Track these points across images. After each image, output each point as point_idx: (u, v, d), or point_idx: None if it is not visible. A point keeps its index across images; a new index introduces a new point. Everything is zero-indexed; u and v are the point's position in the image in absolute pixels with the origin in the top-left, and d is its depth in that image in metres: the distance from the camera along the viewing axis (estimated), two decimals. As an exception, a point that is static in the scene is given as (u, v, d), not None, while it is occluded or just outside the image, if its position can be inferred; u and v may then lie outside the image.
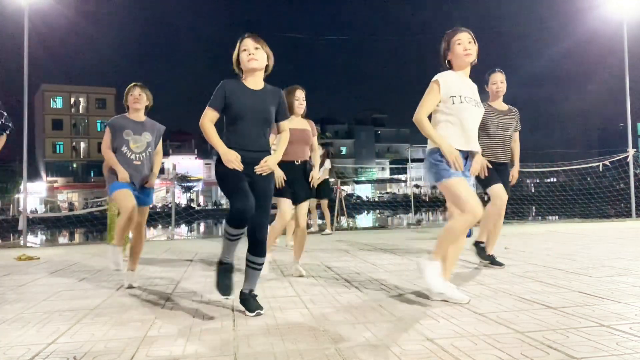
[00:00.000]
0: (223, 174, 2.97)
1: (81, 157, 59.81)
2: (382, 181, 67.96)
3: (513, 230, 8.31)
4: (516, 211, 13.10)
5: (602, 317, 2.73)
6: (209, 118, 2.99)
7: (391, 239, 7.72)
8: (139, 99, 4.13)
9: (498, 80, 4.64)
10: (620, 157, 11.70)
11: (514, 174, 4.83)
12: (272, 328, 2.72)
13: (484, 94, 4.11)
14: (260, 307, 3.04)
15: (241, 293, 3.15)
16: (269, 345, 2.41)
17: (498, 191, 4.48)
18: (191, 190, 57.86)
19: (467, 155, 3.28)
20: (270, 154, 3.11)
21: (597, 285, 3.59)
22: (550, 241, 6.56)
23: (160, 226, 20.94)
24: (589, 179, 14.13)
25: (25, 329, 2.86)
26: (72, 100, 60.07)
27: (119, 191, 3.98)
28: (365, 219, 33.54)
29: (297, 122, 4.29)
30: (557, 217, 14.56)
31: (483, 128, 4.40)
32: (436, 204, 32.37)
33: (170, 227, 11.19)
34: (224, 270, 3.05)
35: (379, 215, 37.19)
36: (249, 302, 3.07)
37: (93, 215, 28.34)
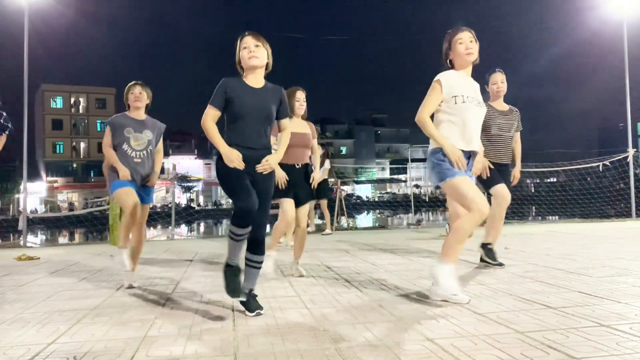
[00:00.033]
0: (224, 173, 2.97)
1: (81, 157, 59.82)
2: (382, 181, 67.96)
3: (513, 230, 8.30)
4: (516, 211, 13.10)
5: (602, 317, 2.73)
6: (210, 117, 2.98)
7: (391, 239, 7.72)
8: (139, 97, 4.13)
9: (498, 80, 4.64)
10: (620, 157, 11.69)
11: (516, 174, 4.82)
12: (272, 328, 2.72)
13: (484, 94, 4.10)
14: (260, 307, 3.04)
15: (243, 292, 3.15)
16: (269, 345, 2.41)
17: (501, 191, 4.46)
18: (191, 190, 57.88)
19: (470, 155, 3.27)
20: (271, 152, 3.11)
21: (597, 285, 3.59)
22: (550, 241, 6.56)
23: (160, 226, 20.94)
24: (589, 179, 14.13)
25: (25, 329, 2.86)
26: (72, 100, 60.08)
27: (120, 189, 3.98)
28: (365, 219, 33.53)
29: (298, 125, 4.27)
30: (557, 217, 14.57)
31: (484, 129, 4.39)
32: (436, 204, 32.37)
33: (170, 227, 11.19)
34: (232, 273, 3.00)
35: (379, 215, 37.19)
36: (249, 302, 3.07)
37: (93, 215, 28.37)
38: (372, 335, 2.52)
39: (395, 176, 66.95)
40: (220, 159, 2.98)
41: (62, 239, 26.57)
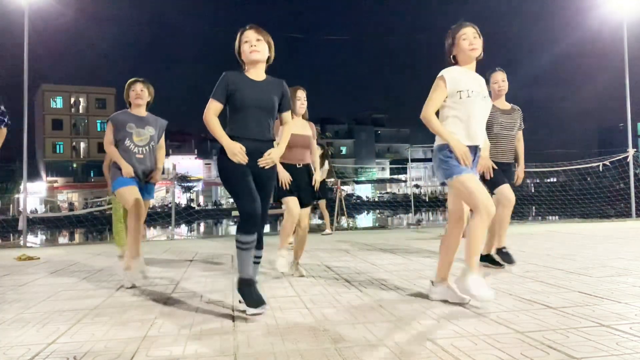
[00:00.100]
0: (227, 170, 2.96)
1: (81, 157, 59.80)
2: (382, 181, 67.95)
3: (513, 230, 8.30)
4: (516, 211, 13.06)
5: (602, 317, 2.73)
6: (212, 111, 2.98)
7: (391, 239, 7.72)
8: (141, 95, 4.11)
9: (499, 79, 4.63)
10: (620, 157, 11.69)
11: (520, 173, 4.81)
12: (272, 328, 2.72)
13: None
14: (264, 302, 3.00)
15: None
16: (269, 345, 2.41)
17: (506, 192, 4.45)
18: (191, 190, 57.87)
19: (476, 152, 3.24)
20: (273, 145, 3.10)
21: (597, 285, 3.59)
22: (550, 241, 6.56)
23: (160, 226, 20.94)
24: (589, 179, 14.14)
25: (25, 329, 2.86)
26: (72, 100, 60.06)
27: (124, 188, 3.96)
28: (365, 219, 33.54)
29: (299, 126, 4.27)
30: (557, 217, 14.57)
31: (487, 128, 4.38)
32: (436, 204, 32.37)
33: (170, 227, 11.18)
34: (249, 288, 2.96)
35: (379, 215, 37.20)
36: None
37: (93, 215, 28.39)
38: (372, 335, 2.52)
39: (395, 176, 66.96)
40: (222, 153, 2.96)
41: (62, 239, 26.58)
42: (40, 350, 2.46)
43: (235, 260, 5.53)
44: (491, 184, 4.44)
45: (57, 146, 59.12)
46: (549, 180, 17.94)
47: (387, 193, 62.89)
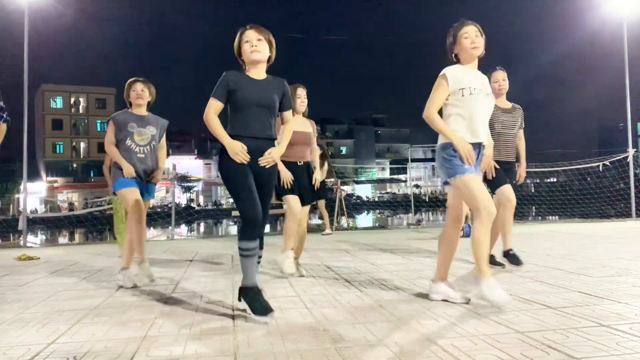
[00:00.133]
0: (228, 171, 2.95)
1: (81, 157, 59.82)
2: (382, 181, 67.94)
3: (513, 230, 8.28)
4: (516, 211, 13.08)
5: (602, 317, 2.73)
6: (213, 110, 2.96)
7: (391, 239, 7.72)
8: (141, 95, 4.08)
9: (500, 78, 4.62)
10: (620, 157, 11.70)
11: (522, 172, 4.81)
12: (272, 328, 2.72)
13: None
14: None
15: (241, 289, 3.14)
16: (269, 345, 2.41)
17: (507, 193, 4.45)
18: (191, 190, 57.88)
19: (479, 149, 3.23)
20: (274, 144, 3.09)
21: (597, 285, 3.59)
22: (550, 241, 6.56)
23: (160, 226, 20.93)
24: (589, 179, 14.15)
25: (25, 329, 2.86)
26: (72, 100, 60.08)
27: (125, 189, 3.94)
28: (365, 219, 33.54)
29: (299, 123, 4.28)
30: (557, 217, 14.57)
31: (488, 127, 4.38)
32: (436, 204, 32.37)
33: (170, 227, 11.18)
34: (254, 295, 2.92)
35: (379, 215, 37.21)
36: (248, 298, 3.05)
37: (93, 215, 28.39)
38: (372, 335, 2.52)
39: (395, 176, 66.93)
40: (223, 153, 2.95)
41: (62, 239, 26.58)
42: (40, 350, 2.46)
43: (235, 260, 5.54)
44: (492, 184, 4.43)
45: (57, 146, 59.13)
46: (549, 180, 17.94)
47: (387, 193, 62.89)
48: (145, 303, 3.48)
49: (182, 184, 54.23)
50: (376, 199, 57.45)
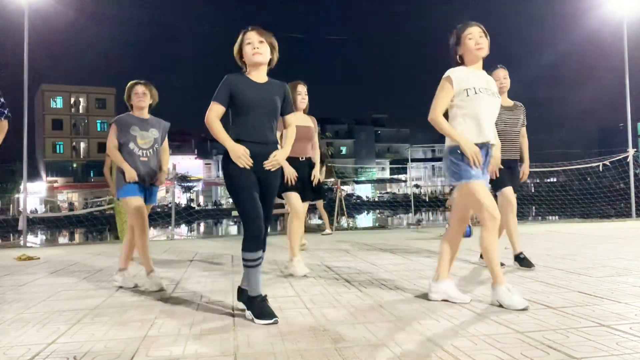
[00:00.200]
0: (232, 177, 2.92)
1: (81, 157, 59.83)
2: (382, 181, 67.95)
3: (513, 230, 8.29)
4: (516, 211, 13.09)
5: (602, 317, 2.73)
6: (214, 113, 2.93)
7: (391, 239, 7.72)
8: (143, 98, 4.04)
9: (501, 77, 4.62)
10: (620, 157, 11.70)
11: (525, 170, 4.80)
12: (272, 328, 2.72)
13: None
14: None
15: (241, 290, 3.13)
16: (269, 345, 2.41)
17: (508, 195, 4.45)
18: (191, 190, 57.87)
19: (487, 151, 3.21)
20: (277, 147, 3.07)
21: (597, 285, 3.59)
22: (550, 241, 6.56)
23: (160, 226, 20.94)
24: (589, 179, 14.15)
25: (25, 329, 2.86)
26: (72, 100, 60.10)
27: (131, 198, 3.90)
28: (365, 219, 33.54)
29: (300, 119, 4.29)
30: (557, 217, 14.57)
31: None
32: (436, 203, 32.37)
33: (170, 227, 11.19)
34: (260, 304, 2.90)
35: (379, 215, 37.21)
36: (244, 296, 3.05)
37: (93, 215, 28.41)
38: (372, 335, 2.52)
39: (395, 176, 66.94)
40: (226, 158, 2.93)
41: (62, 239, 26.57)
42: (40, 350, 2.46)
43: (235, 260, 5.54)
44: (495, 184, 4.43)
45: (57, 146, 59.15)
46: (549, 180, 17.96)
47: (387, 193, 62.90)
48: (145, 303, 3.48)
49: (182, 184, 54.22)
50: (376, 199, 57.46)
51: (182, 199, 53.36)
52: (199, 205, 54.75)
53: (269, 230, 3.13)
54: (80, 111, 60.44)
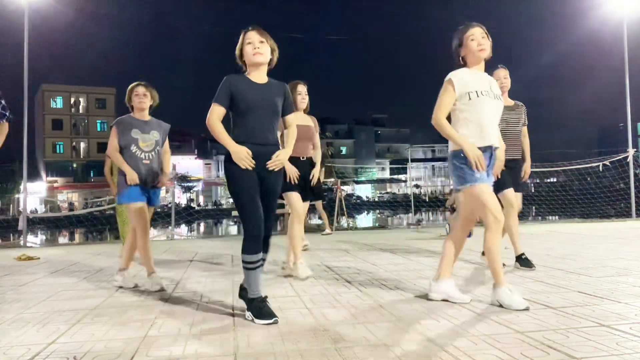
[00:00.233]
0: (234, 180, 2.91)
1: (81, 157, 59.82)
2: (382, 181, 67.94)
3: (513, 230, 8.28)
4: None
5: (602, 317, 2.73)
6: (216, 115, 2.92)
7: (391, 239, 7.72)
8: (143, 99, 4.02)
9: (502, 76, 4.62)
10: (620, 157, 11.70)
11: (527, 169, 4.80)
12: (272, 328, 2.72)
13: None
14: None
15: (242, 287, 3.12)
16: (269, 345, 2.41)
17: (509, 196, 4.45)
18: (191, 190, 57.86)
19: (491, 154, 3.20)
20: (278, 148, 3.06)
21: (597, 285, 3.59)
22: (550, 241, 6.56)
23: (160, 226, 20.95)
24: (589, 179, 14.14)
25: (25, 329, 2.86)
26: (72, 100, 60.09)
27: (133, 204, 3.89)
28: (365, 219, 33.54)
29: (301, 119, 4.29)
30: (557, 217, 14.57)
31: None
32: (436, 204, 32.37)
33: (170, 227, 11.19)
34: (261, 304, 2.90)
35: (379, 215, 37.20)
36: (245, 297, 3.04)
37: (93, 215, 28.40)
38: (372, 335, 2.52)
39: (395, 176, 66.92)
40: (228, 159, 2.92)
41: (62, 239, 26.57)
42: (40, 350, 2.46)
43: (235, 260, 5.54)
44: (497, 186, 4.42)
45: (57, 146, 59.14)
46: (549, 180, 17.96)
47: (387, 193, 62.88)
48: (145, 303, 3.48)
49: (182, 184, 54.20)
50: (376, 199, 57.44)
51: (182, 199, 53.35)
52: (199, 205, 54.75)
53: (270, 231, 3.11)
54: (80, 111, 60.43)
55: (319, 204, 9.43)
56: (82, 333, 2.74)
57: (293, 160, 4.22)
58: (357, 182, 61.62)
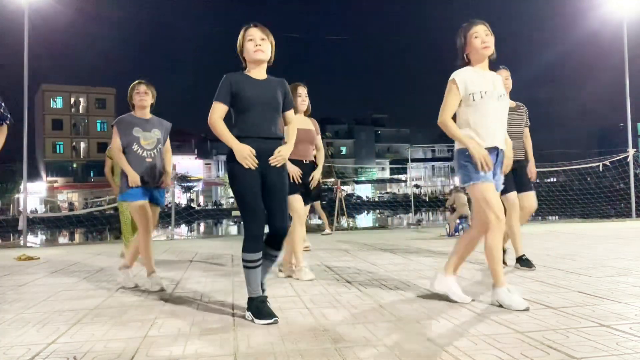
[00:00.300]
0: (237, 179, 2.90)
1: (81, 157, 59.82)
2: (382, 181, 67.95)
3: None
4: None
5: (602, 317, 2.73)
6: (218, 114, 2.91)
7: (391, 239, 7.73)
8: (145, 97, 4.01)
9: (503, 77, 4.61)
10: (620, 157, 11.70)
11: (532, 169, 4.80)
12: (272, 328, 2.72)
13: None
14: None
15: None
16: (269, 345, 2.41)
17: (511, 199, 4.44)
18: (191, 190, 57.85)
19: (497, 154, 3.19)
20: (281, 143, 3.05)
21: (597, 285, 3.59)
22: (550, 241, 6.56)
23: (160, 226, 20.96)
24: (589, 179, 14.14)
25: (25, 329, 2.86)
26: (72, 100, 60.09)
27: (135, 203, 3.88)
28: (365, 219, 33.54)
29: (301, 122, 4.27)
30: (557, 217, 14.57)
31: None
32: (436, 203, 32.38)
33: (170, 227, 11.19)
34: (260, 304, 2.90)
35: (379, 215, 37.20)
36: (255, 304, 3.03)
37: (93, 215, 28.40)
38: (372, 335, 2.52)
39: (395, 176, 66.94)
40: (231, 158, 2.91)
41: (62, 239, 26.58)
42: (40, 350, 2.46)
43: (235, 260, 5.54)
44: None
45: (57, 146, 59.14)
46: (549, 180, 17.96)
47: (387, 193, 62.89)
48: (145, 303, 3.48)
49: (182, 184, 54.19)
50: (376, 199, 57.45)
51: (182, 199, 53.33)
52: (199, 205, 54.74)
53: (286, 226, 3.01)
54: (80, 111, 60.43)
55: (317, 204, 9.44)
56: (82, 333, 2.74)
57: (297, 163, 4.22)
58: (357, 182, 61.64)
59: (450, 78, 3.17)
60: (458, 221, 8.18)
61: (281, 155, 2.96)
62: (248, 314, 2.92)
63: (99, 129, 59.47)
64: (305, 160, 4.33)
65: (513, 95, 4.74)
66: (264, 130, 2.95)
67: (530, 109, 4.93)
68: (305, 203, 4.40)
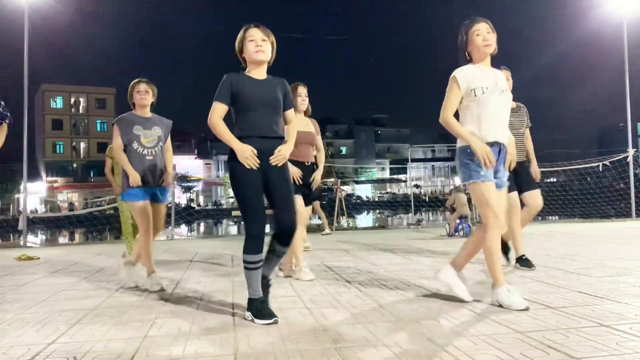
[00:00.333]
0: (238, 177, 2.90)
1: (81, 157, 59.80)
2: (382, 181, 67.95)
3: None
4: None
5: (602, 317, 2.73)
6: (218, 114, 2.90)
7: (391, 239, 7.73)
8: (145, 96, 4.00)
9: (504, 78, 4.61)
10: (620, 157, 11.70)
11: (535, 170, 4.80)
12: (272, 328, 2.72)
13: None
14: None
15: (263, 277, 3.08)
16: (269, 345, 2.41)
17: (512, 199, 4.45)
18: (191, 190, 57.86)
19: (500, 149, 3.19)
20: (282, 142, 3.05)
21: (597, 285, 3.59)
22: (550, 241, 6.56)
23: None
24: (589, 179, 14.14)
25: (25, 329, 2.86)
26: (72, 100, 60.08)
27: (136, 203, 3.87)
28: (365, 219, 33.54)
29: (302, 123, 4.26)
30: (557, 217, 14.57)
31: None
32: (436, 204, 32.38)
33: (170, 227, 11.19)
34: (259, 305, 2.90)
35: (379, 215, 37.20)
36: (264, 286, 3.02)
37: (93, 215, 28.40)
38: (372, 335, 2.52)
39: (395, 176, 66.92)
40: (233, 158, 2.90)
41: (62, 239, 26.58)
42: (40, 350, 2.46)
43: (235, 260, 5.54)
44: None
45: (57, 146, 59.13)
46: (549, 180, 17.95)
47: (387, 193, 62.89)
48: (145, 303, 3.48)
49: (182, 184, 54.19)
50: (376, 199, 57.44)
51: (182, 199, 53.34)
52: (199, 205, 54.75)
53: (295, 222, 2.99)
54: (80, 111, 60.41)
55: (316, 204, 9.44)
56: (82, 333, 2.74)
57: (298, 165, 4.21)
58: (357, 182, 61.63)
59: (452, 75, 3.17)
60: (458, 221, 8.18)
61: (281, 155, 2.96)
62: (248, 314, 2.92)
63: (99, 129, 59.46)
64: (307, 162, 4.32)
65: (513, 96, 4.74)
66: (264, 130, 2.95)
67: (530, 109, 4.93)
68: (306, 204, 4.41)
